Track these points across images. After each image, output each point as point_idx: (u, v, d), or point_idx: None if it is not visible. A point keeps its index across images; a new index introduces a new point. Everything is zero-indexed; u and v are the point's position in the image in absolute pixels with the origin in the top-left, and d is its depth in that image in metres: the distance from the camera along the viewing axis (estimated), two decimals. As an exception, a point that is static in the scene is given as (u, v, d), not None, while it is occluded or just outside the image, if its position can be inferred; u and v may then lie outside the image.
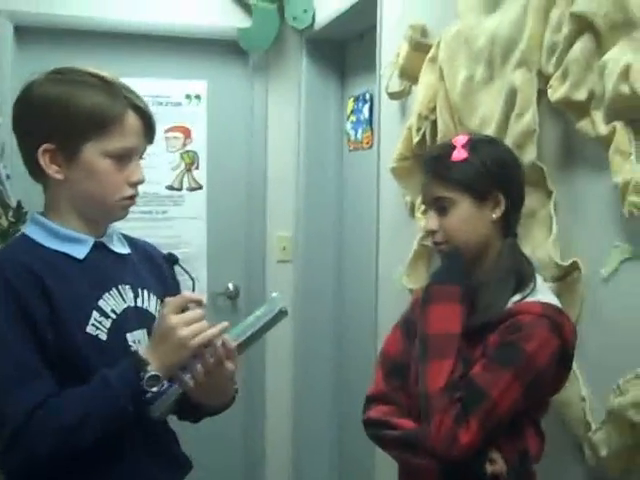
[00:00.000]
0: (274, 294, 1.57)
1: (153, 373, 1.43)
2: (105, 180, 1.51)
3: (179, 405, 1.56)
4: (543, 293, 1.55)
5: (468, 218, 1.59)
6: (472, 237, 1.60)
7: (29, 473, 1.41)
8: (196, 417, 1.71)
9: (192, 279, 1.64)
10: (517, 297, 1.53)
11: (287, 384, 3.72)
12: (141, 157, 1.59)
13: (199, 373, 1.47)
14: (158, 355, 1.44)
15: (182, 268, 1.67)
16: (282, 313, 1.54)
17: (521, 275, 1.57)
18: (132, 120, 1.52)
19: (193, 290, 1.61)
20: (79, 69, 1.54)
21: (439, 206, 1.61)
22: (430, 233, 1.65)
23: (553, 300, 1.54)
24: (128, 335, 1.53)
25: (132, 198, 1.56)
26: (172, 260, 1.69)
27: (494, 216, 1.59)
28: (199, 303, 1.49)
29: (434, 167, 1.63)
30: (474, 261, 1.61)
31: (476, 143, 1.61)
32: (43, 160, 1.49)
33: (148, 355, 1.44)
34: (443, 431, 1.46)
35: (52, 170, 1.49)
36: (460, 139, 1.62)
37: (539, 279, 1.59)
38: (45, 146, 1.48)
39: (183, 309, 1.47)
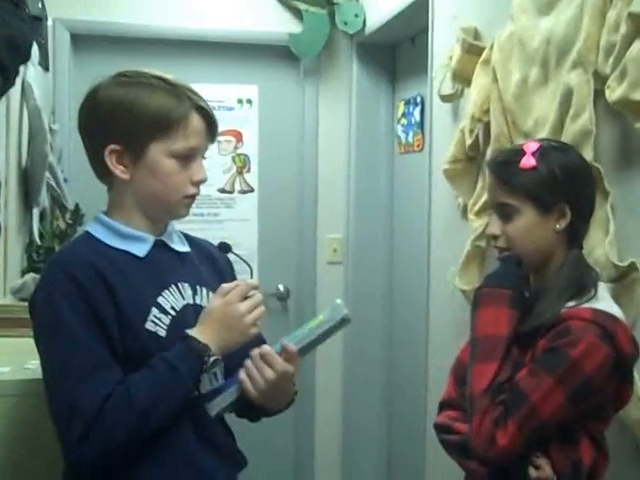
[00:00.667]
0: (338, 301, 1.57)
1: (216, 357, 1.48)
2: (169, 179, 1.54)
3: (238, 404, 1.59)
4: (602, 302, 1.52)
5: (531, 227, 1.57)
6: (534, 246, 1.58)
7: (101, 465, 1.44)
8: (255, 417, 1.73)
9: (249, 265, 1.65)
10: (572, 303, 1.51)
11: (337, 385, 3.74)
12: (203, 156, 1.62)
13: (259, 382, 1.50)
14: (218, 339, 1.49)
15: (236, 255, 1.68)
16: (345, 320, 1.54)
17: (582, 284, 1.54)
18: (196, 121, 1.55)
19: (251, 276, 1.64)
20: (144, 72, 1.57)
21: (503, 212, 1.60)
22: (492, 237, 1.65)
23: (611, 309, 1.51)
24: (187, 332, 1.55)
25: (194, 197, 1.60)
26: (225, 248, 1.70)
27: (558, 227, 1.57)
28: (256, 288, 1.54)
29: (501, 172, 1.61)
30: (537, 270, 1.60)
31: (547, 151, 1.58)
32: (110, 161, 1.52)
33: (207, 339, 1.49)
34: (482, 432, 1.47)
35: (119, 170, 1.53)
36: (531, 146, 1.59)
37: (602, 289, 1.56)
38: (111, 147, 1.52)
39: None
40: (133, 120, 1.51)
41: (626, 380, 1.52)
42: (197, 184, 1.59)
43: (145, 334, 1.49)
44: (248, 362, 1.53)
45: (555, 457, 1.48)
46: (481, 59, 2.23)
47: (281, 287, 3.69)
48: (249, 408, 1.63)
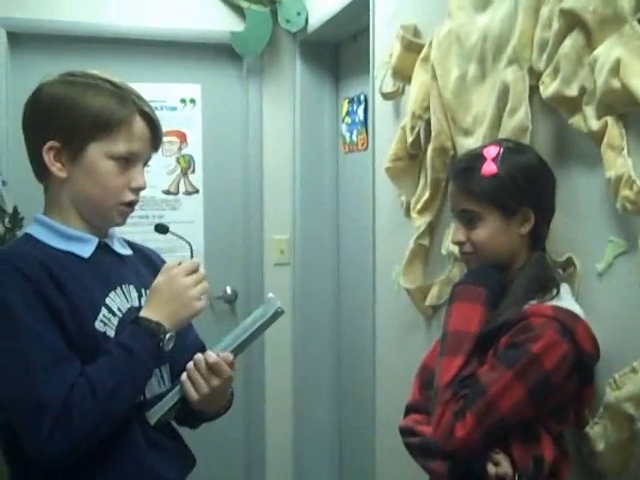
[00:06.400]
0: (270, 295, 1.59)
1: (171, 334, 1.50)
2: (106, 182, 1.53)
3: (178, 411, 1.59)
4: (564, 301, 1.55)
5: (496, 233, 1.60)
6: (500, 250, 1.61)
7: (72, 461, 1.43)
8: (195, 423, 1.74)
9: (189, 243, 1.64)
10: (534, 302, 1.54)
11: (287, 386, 3.72)
12: (146, 164, 1.61)
13: (202, 388, 1.51)
14: (167, 314, 1.51)
15: (175, 235, 1.67)
16: (278, 313, 1.56)
17: (542, 282, 1.57)
18: (139, 125, 1.55)
19: (191, 255, 1.64)
20: (91, 73, 1.57)
21: (467, 218, 1.62)
22: (457, 243, 1.66)
23: (573, 307, 1.54)
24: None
25: (131, 205, 1.59)
26: (163, 229, 1.69)
27: (522, 230, 1.60)
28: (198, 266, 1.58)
29: (462, 179, 1.62)
30: (500, 271, 1.62)
31: (506, 155, 1.59)
32: (47, 157, 1.52)
33: (158, 316, 1.50)
34: (442, 424, 1.48)
35: (55, 168, 1.52)
36: (491, 151, 1.60)
37: (565, 289, 1.59)
38: (50, 143, 1.51)
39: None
40: (74, 118, 1.50)
41: (587, 381, 1.53)
42: (135, 191, 1.58)
43: (95, 333, 1.49)
44: (191, 366, 1.53)
45: (516, 454, 1.48)
46: (420, 56, 2.23)
47: (228, 289, 3.66)
48: (189, 414, 1.62)
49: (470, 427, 1.45)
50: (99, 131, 1.51)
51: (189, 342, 1.68)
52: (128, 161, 1.55)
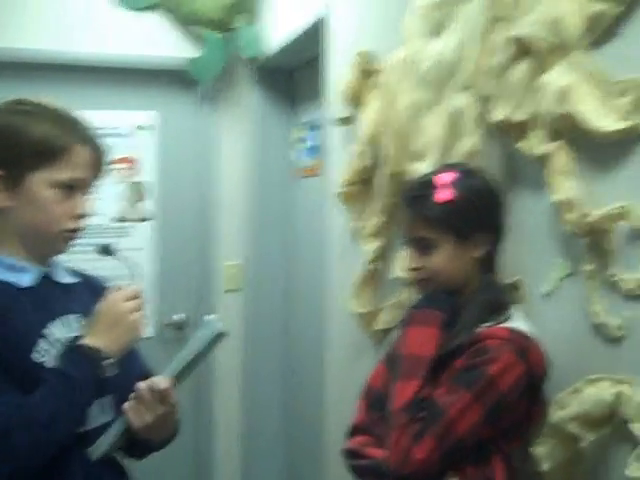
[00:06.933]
0: (208, 317, 1.57)
1: (111, 360, 1.49)
2: (49, 210, 1.52)
3: (123, 443, 1.57)
4: (516, 321, 1.56)
5: (451, 258, 1.60)
6: (454, 275, 1.62)
7: None
8: (141, 453, 1.71)
9: (131, 268, 1.62)
10: (488, 324, 1.55)
11: (236, 413, 3.68)
12: (91, 191, 1.60)
13: (145, 416, 1.50)
14: (107, 340, 1.50)
15: (119, 259, 1.65)
16: (220, 335, 1.54)
17: (495, 305, 1.58)
18: (81, 152, 1.54)
19: (133, 279, 1.62)
20: (36, 101, 1.57)
21: (421, 245, 1.62)
22: (412, 270, 1.66)
23: (524, 327, 1.55)
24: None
25: (75, 231, 1.57)
26: (107, 251, 1.66)
27: (476, 254, 1.61)
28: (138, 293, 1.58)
29: (416, 207, 1.62)
30: (454, 295, 1.63)
31: (460, 180, 1.60)
32: None
33: (97, 342, 1.48)
34: (399, 447, 1.47)
35: None
36: (443, 178, 1.61)
37: (517, 311, 1.61)
38: None
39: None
40: (14, 147, 1.50)
41: (536, 399, 1.55)
42: (78, 218, 1.56)
43: (31, 364, 1.45)
44: (133, 395, 1.51)
45: (469, 475, 1.49)
46: (374, 82, 2.25)
47: (179, 316, 3.61)
48: (134, 443, 1.60)
49: (429, 449, 1.45)
50: (41, 160, 1.50)
51: (136, 370, 1.66)
52: (72, 188, 1.53)
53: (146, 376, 1.58)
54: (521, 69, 1.63)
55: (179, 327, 3.62)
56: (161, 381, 1.51)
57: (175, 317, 3.61)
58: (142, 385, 1.51)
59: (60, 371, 1.45)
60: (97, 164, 1.58)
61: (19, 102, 1.57)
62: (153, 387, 1.50)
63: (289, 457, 3.68)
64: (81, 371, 1.45)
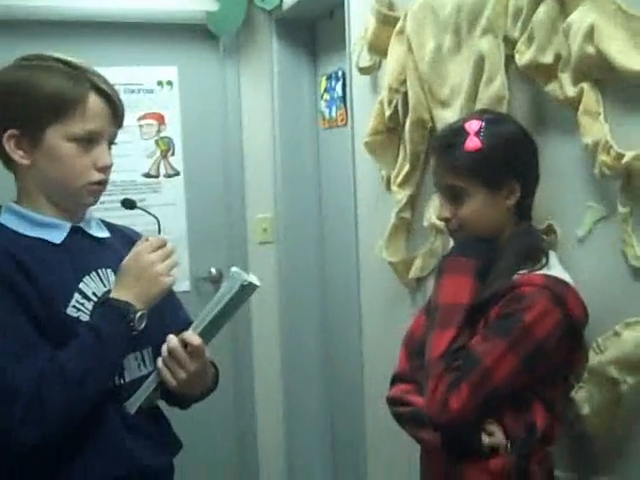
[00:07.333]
0: (233, 269, 1.54)
1: (141, 312, 1.48)
2: (70, 164, 1.51)
3: (163, 395, 1.59)
4: (553, 269, 1.55)
5: (483, 208, 1.58)
6: (487, 225, 1.60)
7: (43, 447, 1.42)
8: (183, 404, 1.73)
9: (156, 219, 1.62)
10: (524, 272, 1.54)
11: (275, 365, 3.72)
12: (112, 142, 1.58)
13: (179, 373, 1.51)
14: (136, 292, 1.49)
15: (143, 210, 1.66)
16: (246, 287, 1.50)
17: (531, 252, 1.57)
18: (95, 103, 1.52)
19: (159, 231, 1.62)
20: (45, 55, 1.55)
21: (452, 194, 1.60)
22: (444, 220, 1.65)
23: (562, 275, 1.54)
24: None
25: (101, 184, 1.57)
26: (129, 204, 1.67)
27: (509, 203, 1.59)
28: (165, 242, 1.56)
29: (446, 155, 1.60)
30: (489, 243, 1.61)
31: (488, 128, 1.57)
32: (8, 146, 1.50)
33: (126, 295, 1.48)
34: (436, 396, 1.49)
35: (17, 156, 1.51)
36: (473, 125, 1.58)
37: (553, 257, 1.59)
38: (10, 132, 1.49)
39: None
40: (28, 103, 1.48)
41: (577, 346, 1.54)
42: (101, 170, 1.55)
43: (67, 319, 1.47)
44: (165, 352, 1.52)
45: (508, 422, 1.49)
46: (396, 30, 2.22)
47: (213, 270, 3.65)
48: (173, 398, 1.63)
49: (465, 398, 1.46)
50: (54, 114, 1.48)
51: (178, 323, 1.64)
52: (90, 141, 1.52)
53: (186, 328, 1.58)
54: (545, 9, 1.60)
55: (215, 280, 3.65)
56: (193, 337, 1.50)
57: (211, 270, 3.64)
58: (174, 341, 1.51)
59: (90, 325, 1.46)
60: (113, 113, 1.56)
61: (24, 58, 1.55)
62: (185, 343, 1.50)
63: (330, 406, 3.72)
64: (112, 325, 1.46)
